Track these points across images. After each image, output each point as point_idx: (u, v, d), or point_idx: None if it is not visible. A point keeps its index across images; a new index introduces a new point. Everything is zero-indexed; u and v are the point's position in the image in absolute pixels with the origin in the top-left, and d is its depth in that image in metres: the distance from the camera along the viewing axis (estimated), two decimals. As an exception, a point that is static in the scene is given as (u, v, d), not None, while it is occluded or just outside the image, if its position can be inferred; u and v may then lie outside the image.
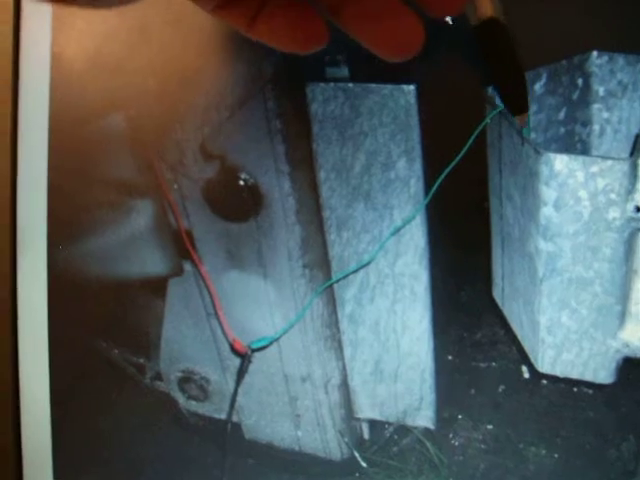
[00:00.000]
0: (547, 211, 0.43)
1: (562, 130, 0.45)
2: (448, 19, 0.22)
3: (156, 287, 0.49)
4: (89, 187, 0.49)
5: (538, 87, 0.44)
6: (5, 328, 0.50)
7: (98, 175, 0.49)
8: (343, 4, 0.22)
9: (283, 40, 0.23)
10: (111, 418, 0.50)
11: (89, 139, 0.49)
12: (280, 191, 0.45)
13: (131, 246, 0.48)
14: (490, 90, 0.44)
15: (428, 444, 0.45)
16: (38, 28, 0.49)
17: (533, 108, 0.44)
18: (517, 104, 0.29)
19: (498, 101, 0.45)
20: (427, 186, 0.44)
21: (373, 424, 0.46)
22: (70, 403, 0.50)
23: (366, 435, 0.46)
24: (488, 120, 0.44)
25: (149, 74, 0.47)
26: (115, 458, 0.50)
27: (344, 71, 0.44)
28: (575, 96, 0.45)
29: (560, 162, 0.42)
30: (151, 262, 0.48)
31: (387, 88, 0.44)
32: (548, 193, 0.43)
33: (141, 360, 0.49)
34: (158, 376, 0.49)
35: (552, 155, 0.42)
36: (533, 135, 0.44)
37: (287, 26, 0.23)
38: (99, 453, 0.50)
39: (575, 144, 0.45)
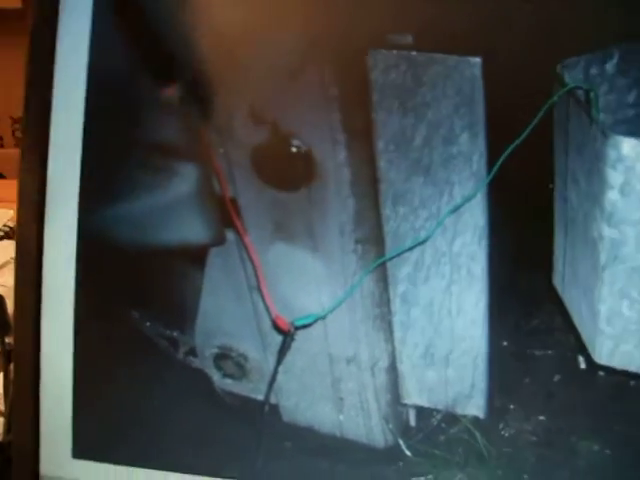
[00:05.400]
0: (612, 196, 0.41)
1: (631, 112, 0.43)
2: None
3: (195, 256, 0.46)
4: (130, 148, 0.46)
5: (609, 67, 0.42)
6: (29, 294, 0.47)
7: (139, 136, 0.46)
8: None
9: None
10: (139, 394, 0.47)
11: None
12: (334, 161, 0.43)
13: (171, 212, 0.46)
14: (559, 68, 0.42)
15: (477, 434, 0.43)
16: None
17: (603, 88, 0.42)
18: None
19: (567, 79, 0.43)
20: (490, 163, 0.42)
21: (420, 411, 0.44)
22: (94, 376, 0.47)
23: (412, 422, 0.44)
24: (556, 99, 0.42)
25: (202, 33, 0.45)
26: (141, 435, 0.47)
27: (408, 38, 0.42)
28: (647, 78, 0.43)
29: (628, 145, 0.41)
30: (191, 229, 0.46)
31: (452, 59, 0.42)
32: (614, 176, 0.41)
33: (175, 334, 0.46)
34: (192, 351, 0.47)
35: (620, 138, 0.41)
36: (602, 116, 0.42)
37: None
38: (124, 430, 0.47)
39: (644, 127, 0.43)
